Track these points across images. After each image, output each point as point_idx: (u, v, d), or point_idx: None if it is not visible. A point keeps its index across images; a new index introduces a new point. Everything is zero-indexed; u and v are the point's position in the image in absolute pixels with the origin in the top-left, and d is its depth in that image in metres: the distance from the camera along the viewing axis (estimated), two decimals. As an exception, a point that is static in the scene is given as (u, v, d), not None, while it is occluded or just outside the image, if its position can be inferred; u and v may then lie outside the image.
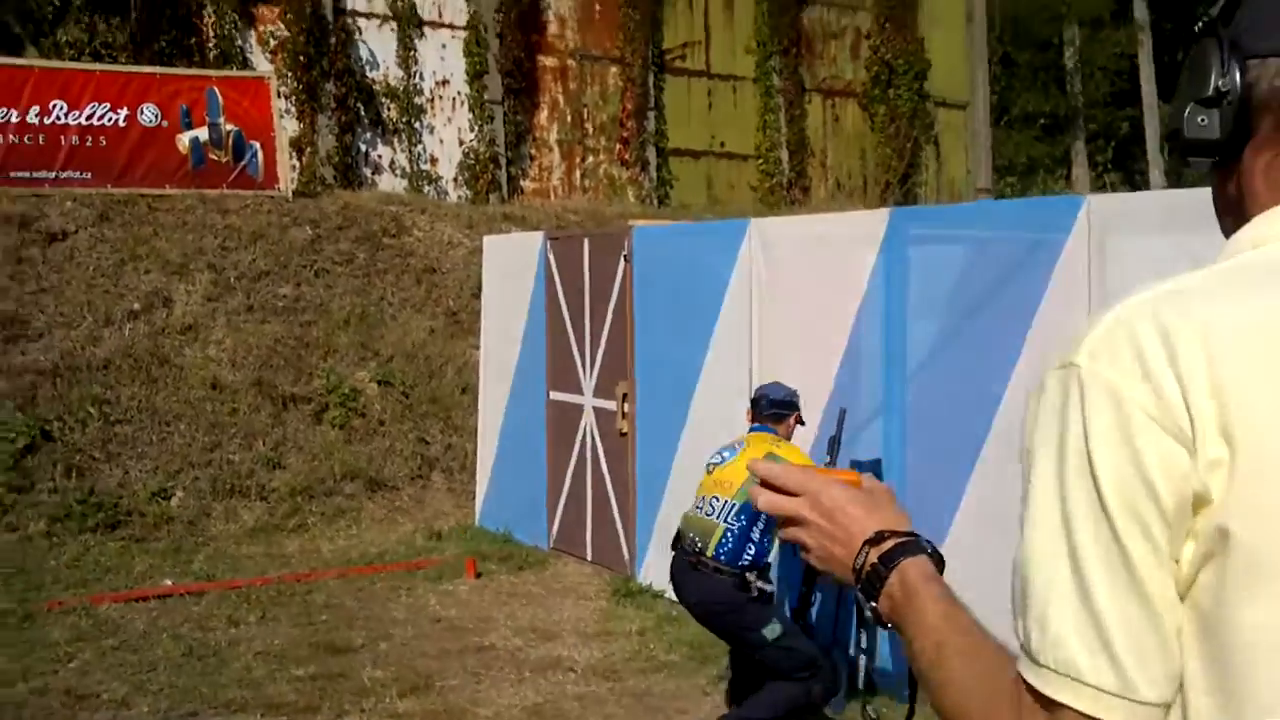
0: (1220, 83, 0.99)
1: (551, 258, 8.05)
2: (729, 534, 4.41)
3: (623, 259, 7.26)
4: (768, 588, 4.42)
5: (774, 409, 4.87)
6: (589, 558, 7.63)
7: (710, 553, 4.42)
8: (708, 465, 4.82)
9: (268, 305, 10.15)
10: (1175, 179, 21.89)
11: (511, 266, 8.61)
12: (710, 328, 6.59)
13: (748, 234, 6.40)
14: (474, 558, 7.32)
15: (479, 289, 9.62)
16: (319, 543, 8.03)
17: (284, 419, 9.25)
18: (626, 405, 7.23)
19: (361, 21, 14.30)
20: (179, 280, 9.80)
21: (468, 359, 10.07)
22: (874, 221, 5.82)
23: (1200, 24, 1.03)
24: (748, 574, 4.37)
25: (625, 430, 7.24)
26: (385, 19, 14.43)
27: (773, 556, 4.73)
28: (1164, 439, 0.88)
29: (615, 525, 7.40)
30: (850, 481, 1.19)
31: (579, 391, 7.76)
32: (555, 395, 8.01)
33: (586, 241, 7.85)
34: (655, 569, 6.88)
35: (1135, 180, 21.95)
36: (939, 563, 1.11)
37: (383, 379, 9.87)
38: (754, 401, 5.00)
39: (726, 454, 4.73)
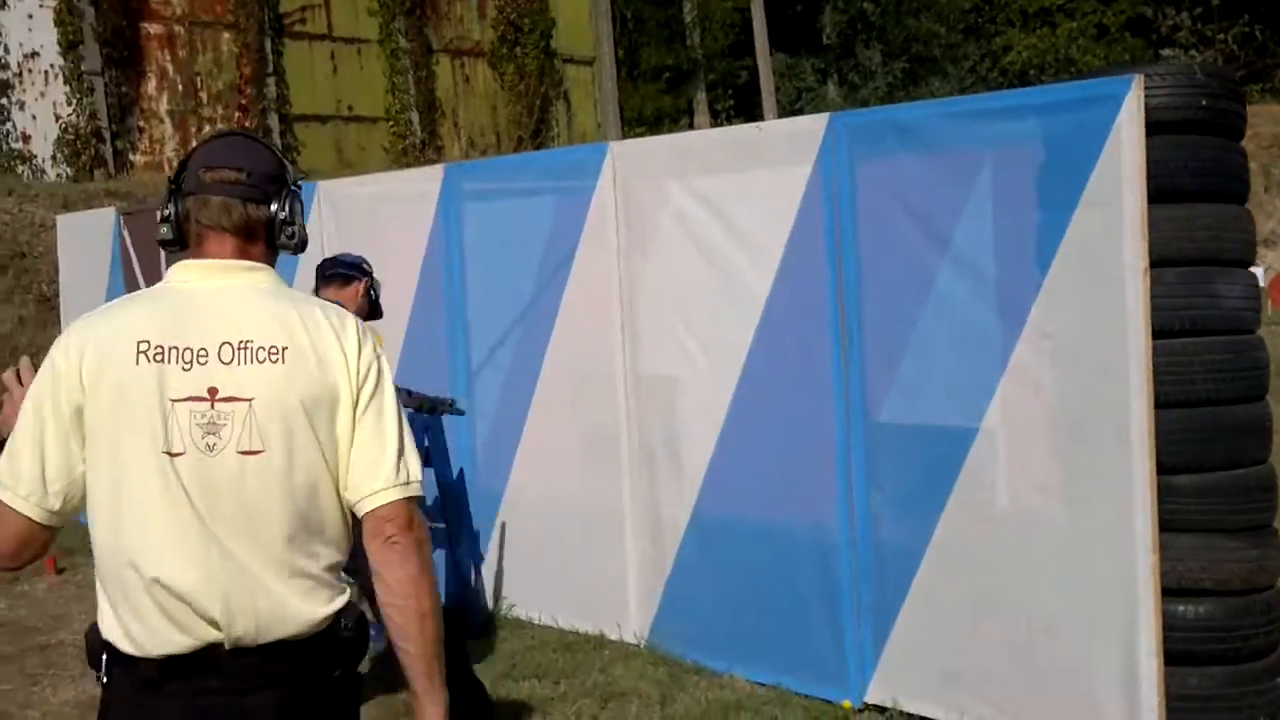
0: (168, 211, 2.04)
1: (126, 234, 7.67)
2: None
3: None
4: None
5: (341, 268, 4.59)
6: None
7: None
8: None
9: None
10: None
11: (86, 246, 8.13)
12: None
13: (316, 196, 6.35)
14: (56, 553, 6.91)
15: (66, 272, 9.02)
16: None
17: None
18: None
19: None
20: None
21: (62, 348, 9.47)
22: (429, 178, 5.95)
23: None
24: None
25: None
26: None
27: None
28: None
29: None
30: None
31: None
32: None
33: (160, 215, 7.48)
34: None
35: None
36: None
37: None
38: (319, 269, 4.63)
39: None
